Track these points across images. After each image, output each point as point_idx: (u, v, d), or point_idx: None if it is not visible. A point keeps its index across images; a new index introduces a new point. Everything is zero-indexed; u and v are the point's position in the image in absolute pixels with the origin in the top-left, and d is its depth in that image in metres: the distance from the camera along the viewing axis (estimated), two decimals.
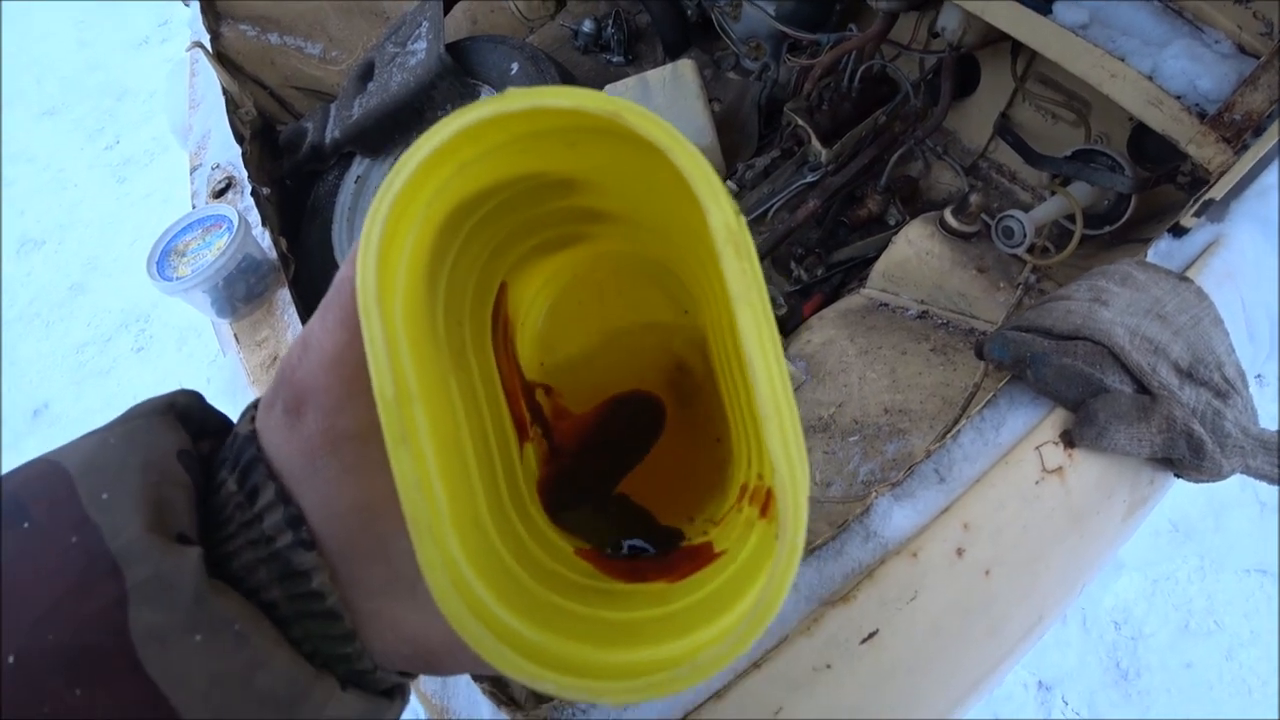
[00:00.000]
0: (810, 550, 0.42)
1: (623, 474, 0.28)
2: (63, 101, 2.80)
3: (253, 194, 0.82)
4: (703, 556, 0.21)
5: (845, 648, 0.37)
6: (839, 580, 0.40)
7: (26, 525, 0.16)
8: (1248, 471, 0.40)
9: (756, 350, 0.14)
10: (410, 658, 0.19)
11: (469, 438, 0.19)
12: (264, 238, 0.80)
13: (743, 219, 0.15)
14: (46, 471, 0.18)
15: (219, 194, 0.89)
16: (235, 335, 0.80)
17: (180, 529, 0.17)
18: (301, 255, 1.02)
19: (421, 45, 0.95)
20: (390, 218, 0.14)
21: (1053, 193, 0.86)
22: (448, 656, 0.19)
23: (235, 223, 0.77)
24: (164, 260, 0.82)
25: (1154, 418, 0.41)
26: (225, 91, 0.96)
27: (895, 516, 0.43)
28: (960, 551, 0.42)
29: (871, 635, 0.38)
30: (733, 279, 0.14)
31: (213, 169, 0.93)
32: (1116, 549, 0.53)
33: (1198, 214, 0.52)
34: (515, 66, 0.96)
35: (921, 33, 1.00)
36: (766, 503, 0.19)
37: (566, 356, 0.29)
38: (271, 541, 0.17)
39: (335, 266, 0.98)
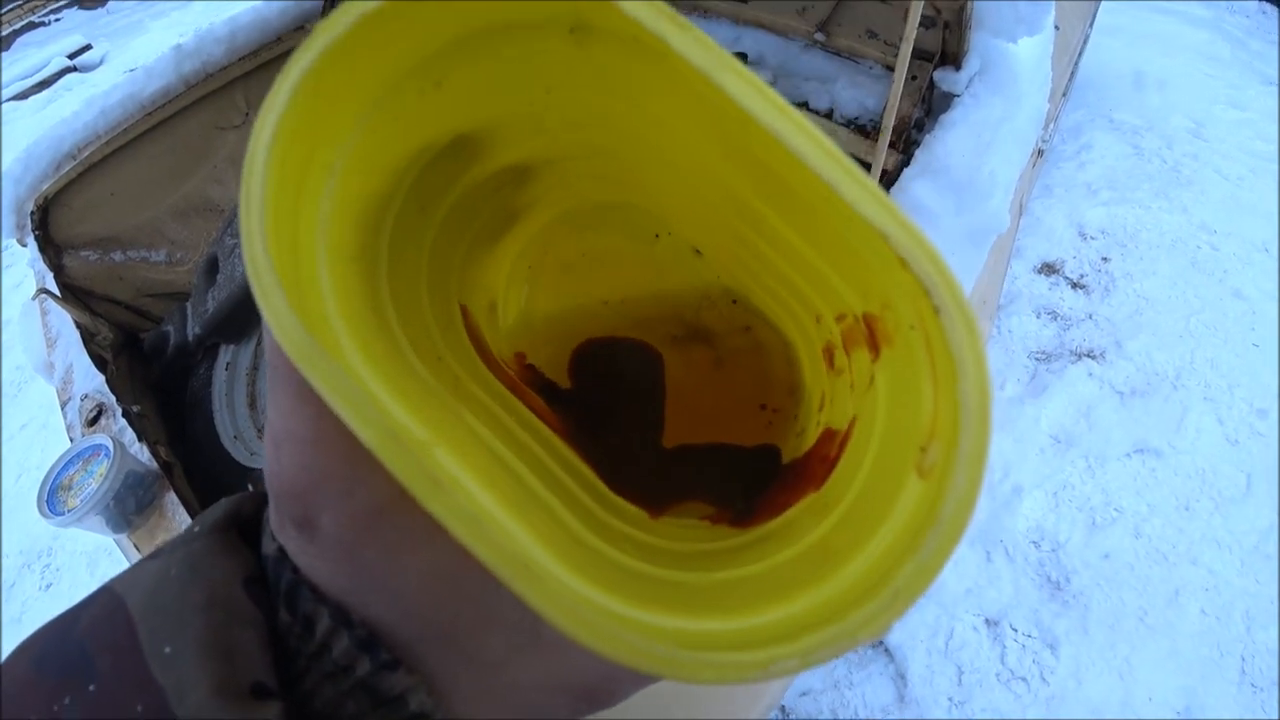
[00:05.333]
0: None
1: (645, 423, 0.25)
2: None
3: (124, 415, 0.87)
4: (832, 441, 0.18)
5: None
6: None
7: (93, 688, 0.15)
8: None
9: (762, 106, 0.11)
10: (574, 704, 0.17)
11: (523, 465, 0.17)
12: (142, 452, 0.85)
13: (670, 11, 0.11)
14: (110, 611, 0.16)
15: (92, 422, 0.93)
16: (135, 545, 0.84)
17: (255, 676, 0.15)
18: (191, 449, 1.06)
19: None
20: (268, 235, 0.11)
21: None
22: (612, 684, 0.17)
23: (111, 448, 0.82)
24: (52, 497, 0.85)
25: None
26: (78, 325, 1.01)
27: None
28: None
29: None
30: (690, 53, 0.11)
31: (82, 399, 0.97)
32: None
33: None
34: None
35: None
36: (872, 332, 0.15)
37: (560, 347, 0.26)
38: (350, 671, 0.15)
39: (224, 453, 1.03)
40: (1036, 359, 1.89)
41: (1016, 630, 1.43)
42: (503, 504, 0.13)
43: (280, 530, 0.16)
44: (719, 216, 0.20)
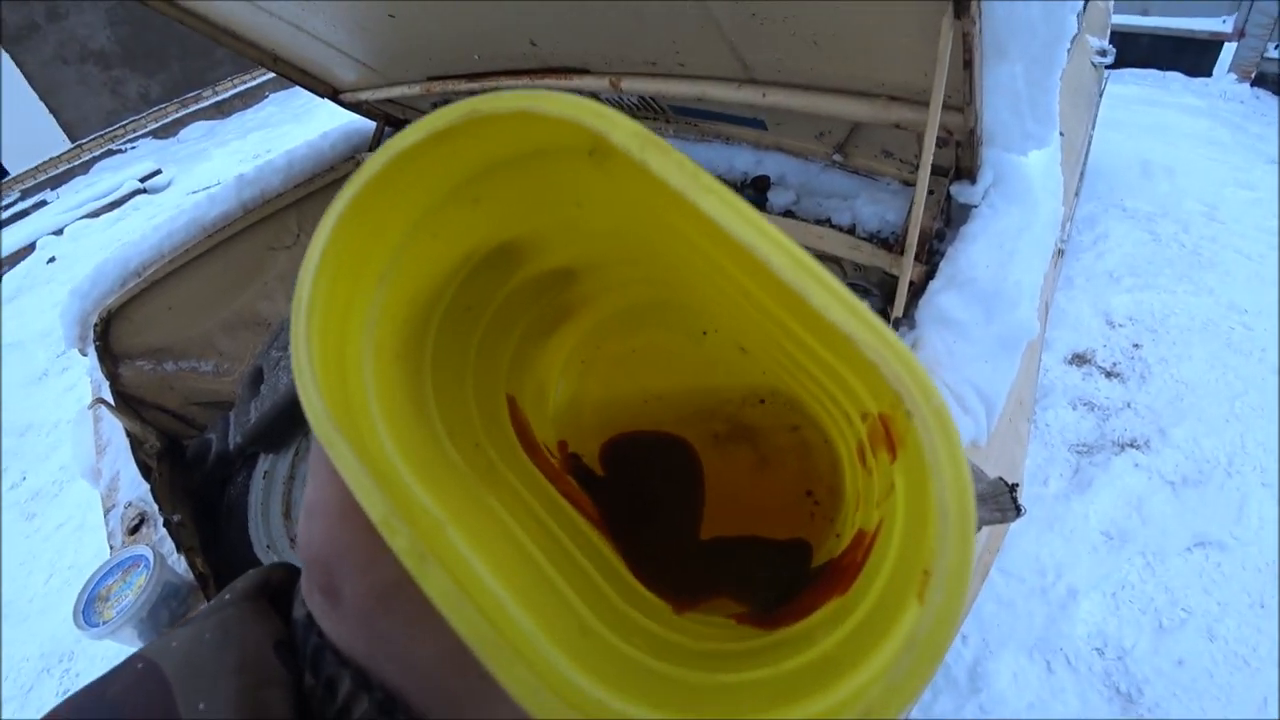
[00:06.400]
0: None
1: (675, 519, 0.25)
2: None
3: (165, 524, 0.88)
4: (860, 545, 0.18)
5: None
6: None
7: None
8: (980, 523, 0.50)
9: (739, 224, 0.12)
10: None
11: (542, 553, 0.17)
12: (180, 563, 0.86)
13: (650, 134, 0.13)
14: (145, 676, 0.17)
15: (133, 531, 0.94)
16: None
17: None
18: (223, 556, 1.06)
19: None
20: (311, 339, 0.13)
21: None
22: None
23: (151, 559, 0.82)
24: (89, 608, 0.86)
25: None
26: (129, 433, 1.05)
27: None
28: None
29: None
30: (669, 176, 0.12)
31: (125, 507, 0.99)
32: None
33: (895, 329, 0.68)
34: None
35: None
36: (888, 433, 0.15)
37: (602, 438, 0.27)
38: None
39: (255, 563, 1.03)
40: (1078, 452, 1.82)
41: None
42: (509, 588, 0.13)
43: (309, 596, 0.17)
44: (750, 318, 0.21)
